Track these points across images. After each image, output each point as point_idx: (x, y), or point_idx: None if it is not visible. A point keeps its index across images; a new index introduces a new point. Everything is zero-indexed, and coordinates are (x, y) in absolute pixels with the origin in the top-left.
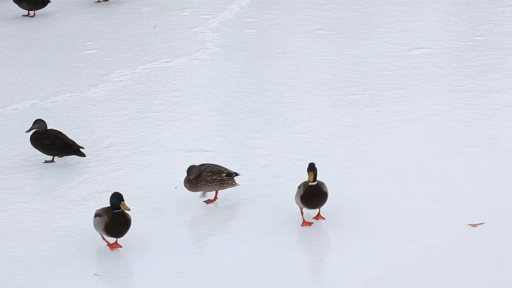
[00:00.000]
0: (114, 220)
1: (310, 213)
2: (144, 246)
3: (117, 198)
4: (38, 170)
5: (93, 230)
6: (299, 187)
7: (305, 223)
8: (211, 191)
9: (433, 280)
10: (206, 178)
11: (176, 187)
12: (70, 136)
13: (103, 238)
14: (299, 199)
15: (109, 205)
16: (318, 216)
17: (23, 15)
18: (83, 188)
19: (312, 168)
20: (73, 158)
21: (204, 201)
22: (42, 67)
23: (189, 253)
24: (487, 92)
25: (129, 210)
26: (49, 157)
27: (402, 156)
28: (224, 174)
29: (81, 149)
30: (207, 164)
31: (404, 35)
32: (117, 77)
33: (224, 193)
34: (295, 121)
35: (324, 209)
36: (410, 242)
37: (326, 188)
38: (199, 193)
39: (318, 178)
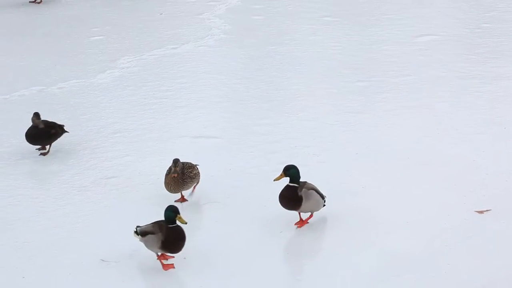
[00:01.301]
0: (171, 235)
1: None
2: None
3: (172, 212)
4: (45, 156)
5: (99, 219)
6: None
7: (299, 223)
8: (191, 187)
9: (439, 266)
10: (190, 174)
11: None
12: (78, 121)
13: (158, 258)
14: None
15: (151, 221)
16: (299, 222)
17: (30, 1)
18: (90, 174)
19: (285, 170)
20: (79, 144)
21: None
22: (48, 53)
23: (195, 240)
24: (493, 79)
25: (185, 223)
26: (41, 149)
27: (409, 143)
28: (197, 168)
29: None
30: (180, 161)
31: (411, 22)
32: (123, 63)
33: (231, 180)
34: (301, 107)
35: (330, 195)
36: (416, 229)
37: (308, 194)
38: (188, 192)
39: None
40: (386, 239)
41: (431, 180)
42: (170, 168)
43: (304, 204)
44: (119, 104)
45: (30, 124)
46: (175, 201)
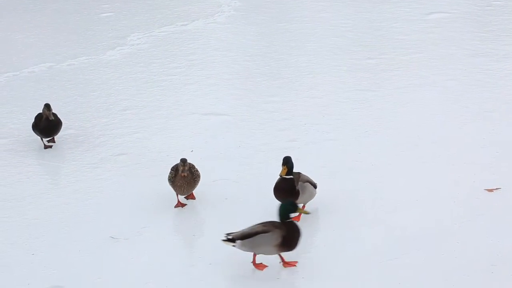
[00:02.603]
0: (292, 230)
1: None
2: (160, 210)
3: (292, 205)
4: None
5: (109, 196)
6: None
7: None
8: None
9: (449, 244)
10: (197, 173)
11: (192, 151)
12: (88, 98)
13: (255, 264)
14: None
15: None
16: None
17: None
18: (99, 151)
19: (286, 162)
20: (89, 121)
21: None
22: (58, 30)
23: (205, 216)
24: (504, 57)
25: (309, 213)
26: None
27: (419, 120)
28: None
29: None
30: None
31: None
32: (133, 40)
33: (240, 157)
34: (311, 85)
35: (341, 174)
36: (426, 207)
37: (304, 187)
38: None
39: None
40: (395, 217)
41: (441, 158)
42: (174, 170)
43: (300, 198)
44: (128, 81)
45: (39, 101)
46: (175, 206)
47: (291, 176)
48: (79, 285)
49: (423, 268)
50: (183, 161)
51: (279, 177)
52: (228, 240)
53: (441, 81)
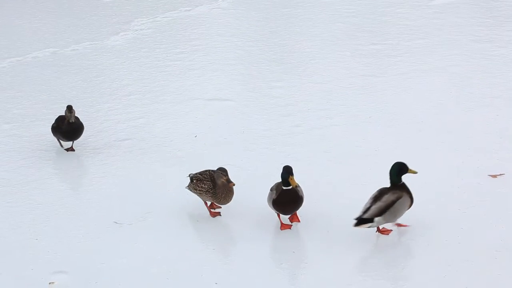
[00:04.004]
0: (409, 190)
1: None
2: (164, 195)
3: (404, 166)
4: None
5: (112, 181)
6: (271, 190)
7: (284, 227)
8: None
9: (453, 230)
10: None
11: (196, 136)
12: (92, 83)
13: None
14: (271, 203)
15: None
16: (293, 219)
17: None
18: (103, 136)
19: (291, 171)
20: (93, 106)
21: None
22: (62, 15)
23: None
24: (508, 42)
25: (416, 172)
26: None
27: (423, 106)
28: None
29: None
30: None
31: None
32: (137, 25)
33: (245, 143)
34: (315, 70)
35: (345, 159)
36: (430, 193)
37: (302, 192)
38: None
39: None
40: None
41: (445, 144)
42: (209, 180)
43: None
44: (132, 66)
45: (43, 86)
46: (213, 216)
47: (290, 187)
48: (82, 270)
49: (426, 254)
50: (224, 170)
51: (276, 187)
52: (362, 222)
53: (445, 67)
